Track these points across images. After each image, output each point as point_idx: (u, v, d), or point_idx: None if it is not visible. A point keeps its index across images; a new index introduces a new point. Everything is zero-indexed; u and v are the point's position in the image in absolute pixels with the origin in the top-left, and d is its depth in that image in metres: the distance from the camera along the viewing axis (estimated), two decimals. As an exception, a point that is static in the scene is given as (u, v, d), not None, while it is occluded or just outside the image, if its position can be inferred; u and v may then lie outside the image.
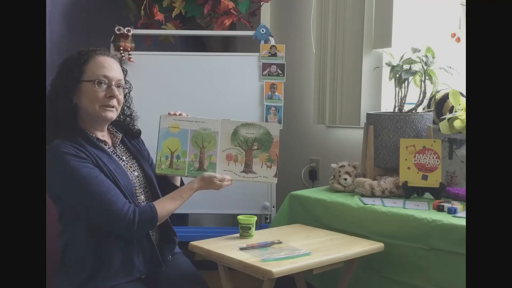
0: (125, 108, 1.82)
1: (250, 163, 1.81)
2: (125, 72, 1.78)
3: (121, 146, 1.79)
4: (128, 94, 1.82)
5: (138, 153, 1.81)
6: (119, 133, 1.79)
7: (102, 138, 1.72)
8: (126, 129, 1.83)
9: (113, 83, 1.68)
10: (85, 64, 1.66)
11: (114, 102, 1.69)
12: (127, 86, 1.79)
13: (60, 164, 1.58)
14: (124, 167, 1.72)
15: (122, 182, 1.65)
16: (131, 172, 1.74)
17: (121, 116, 1.81)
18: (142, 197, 1.75)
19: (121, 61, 2.60)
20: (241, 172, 1.81)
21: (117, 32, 2.62)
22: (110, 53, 1.76)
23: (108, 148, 1.72)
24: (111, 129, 1.78)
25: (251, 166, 1.81)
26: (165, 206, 1.67)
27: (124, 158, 1.76)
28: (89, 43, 1.76)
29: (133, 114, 1.85)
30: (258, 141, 1.82)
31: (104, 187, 1.59)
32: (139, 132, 1.87)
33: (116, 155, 1.74)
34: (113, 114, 1.71)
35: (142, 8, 2.80)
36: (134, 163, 1.78)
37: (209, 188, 1.76)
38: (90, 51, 1.69)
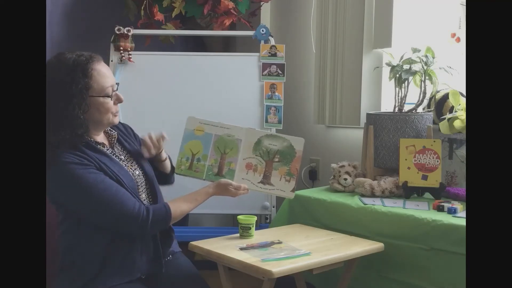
0: None
1: (269, 174, 1.81)
2: None
3: (117, 145, 1.79)
4: None
5: (135, 151, 1.81)
6: (113, 131, 1.78)
7: (100, 141, 1.71)
8: None
9: (115, 88, 1.69)
10: (90, 79, 1.61)
11: (118, 105, 1.72)
12: None
13: (65, 174, 1.56)
14: (125, 167, 1.72)
15: (127, 183, 1.65)
16: (133, 171, 1.74)
17: None
18: (144, 195, 1.75)
19: (120, 61, 2.62)
20: (258, 182, 1.81)
21: (117, 32, 2.62)
22: (99, 56, 1.69)
23: (107, 150, 1.72)
24: (105, 129, 1.78)
25: (269, 177, 1.81)
26: (179, 207, 1.68)
27: (122, 157, 1.76)
28: (89, 43, 1.75)
29: None
30: (280, 153, 1.82)
31: (112, 190, 1.59)
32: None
33: (116, 156, 1.73)
34: (118, 118, 1.73)
35: (142, 8, 2.80)
36: (133, 162, 1.77)
37: (224, 195, 1.77)
38: (89, 62, 1.63)
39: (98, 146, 1.69)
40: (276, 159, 1.82)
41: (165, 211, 1.64)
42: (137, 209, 1.59)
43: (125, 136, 1.83)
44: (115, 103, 1.69)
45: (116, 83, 1.73)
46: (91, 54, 1.66)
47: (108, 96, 1.66)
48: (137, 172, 1.75)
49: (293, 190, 1.82)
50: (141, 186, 1.74)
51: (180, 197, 1.73)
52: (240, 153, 1.81)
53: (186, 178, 1.86)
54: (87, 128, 1.63)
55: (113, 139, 1.77)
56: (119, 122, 1.85)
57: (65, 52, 1.65)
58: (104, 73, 1.66)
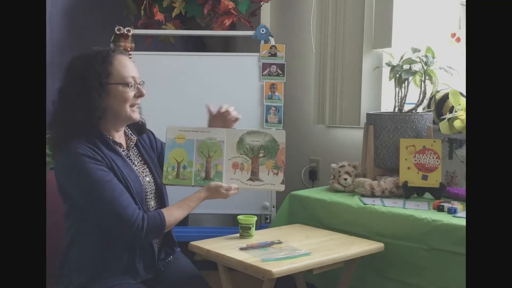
0: None
1: (256, 170, 1.81)
2: None
3: (134, 149, 1.78)
4: None
5: (150, 159, 1.80)
6: (134, 136, 1.78)
7: (118, 141, 1.71)
8: (136, 127, 1.82)
9: (138, 82, 1.69)
10: (110, 66, 1.63)
11: (139, 100, 1.71)
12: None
13: (75, 164, 1.57)
14: (136, 171, 1.72)
15: (134, 187, 1.64)
16: (143, 177, 1.73)
17: None
18: (152, 203, 1.74)
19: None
20: (247, 180, 1.81)
21: (117, 32, 2.62)
22: (123, 50, 1.74)
23: (123, 151, 1.72)
24: (126, 131, 1.78)
25: (257, 173, 1.81)
26: (173, 214, 1.67)
27: (136, 162, 1.75)
28: (89, 43, 1.76)
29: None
30: (264, 148, 1.82)
31: (116, 191, 1.58)
32: (144, 125, 1.85)
33: (129, 159, 1.73)
34: (138, 114, 1.72)
35: (142, 8, 2.80)
36: (145, 168, 1.77)
37: (216, 198, 1.76)
38: (111, 51, 1.67)
39: (115, 145, 1.69)
40: (261, 155, 1.82)
41: (159, 219, 1.63)
42: (135, 216, 1.58)
43: (145, 144, 1.83)
44: (135, 96, 1.68)
45: (142, 81, 1.73)
46: (116, 48, 1.71)
47: (127, 85, 1.65)
48: (147, 179, 1.75)
49: (282, 182, 1.82)
50: (150, 193, 1.74)
51: (174, 204, 1.72)
52: (225, 154, 1.81)
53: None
54: (103, 112, 1.63)
55: (131, 142, 1.77)
56: (149, 131, 1.86)
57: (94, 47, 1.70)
58: (125, 64, 1.67)
